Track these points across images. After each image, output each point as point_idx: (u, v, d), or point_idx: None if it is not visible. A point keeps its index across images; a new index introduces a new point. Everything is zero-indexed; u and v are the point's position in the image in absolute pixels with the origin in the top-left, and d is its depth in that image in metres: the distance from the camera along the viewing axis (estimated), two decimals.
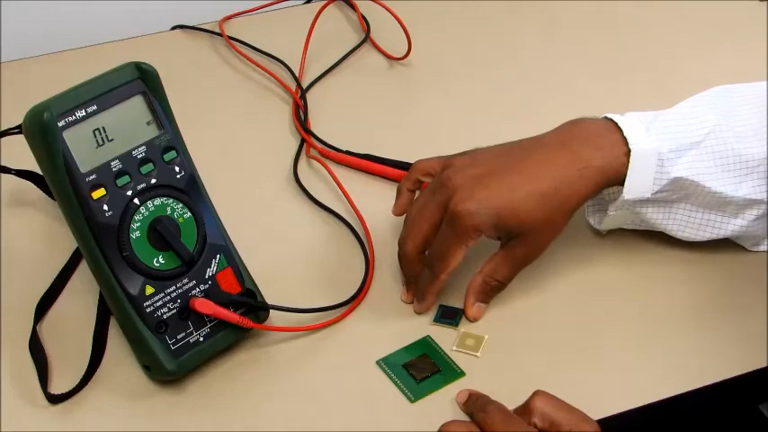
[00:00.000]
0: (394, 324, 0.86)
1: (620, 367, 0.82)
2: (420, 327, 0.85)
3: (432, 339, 0.84)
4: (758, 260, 0.89)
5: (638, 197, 0.84)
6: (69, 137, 0.75)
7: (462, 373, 0.82)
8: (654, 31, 1.18)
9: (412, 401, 0.80)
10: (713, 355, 0.82)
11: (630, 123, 0.84)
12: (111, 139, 0.77)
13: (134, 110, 0.78)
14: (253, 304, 0.82)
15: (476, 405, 0.77)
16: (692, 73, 1.11)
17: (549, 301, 0.87)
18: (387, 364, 0.82)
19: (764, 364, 0.81)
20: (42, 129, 0.75)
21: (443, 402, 0.80)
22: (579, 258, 0.90)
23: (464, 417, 0.78)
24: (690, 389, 0.80)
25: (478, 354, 0.83)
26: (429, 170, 0.89)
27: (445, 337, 0.84)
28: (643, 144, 0.83)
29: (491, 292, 0.86)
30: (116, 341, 0.84)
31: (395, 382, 0.81)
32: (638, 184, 0.83)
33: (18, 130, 0.91)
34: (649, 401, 0.79)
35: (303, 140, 1.05)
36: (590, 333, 0.85)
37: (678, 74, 1.11)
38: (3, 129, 0.97)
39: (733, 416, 0.77)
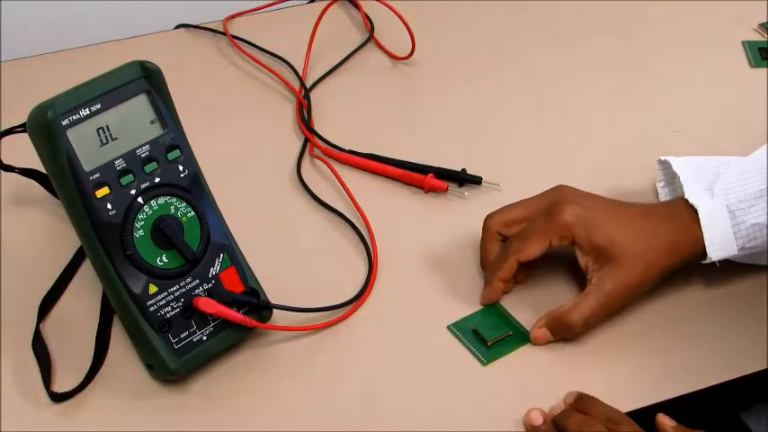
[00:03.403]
0: (396, 324, 0.86)
1: (619, 368, 0.82)
2: (425, 328, 0.85)
3: (501, 305, 0.86)
4: None
5: (725, 255, 0.82)
6: (73, 135, 0.75)
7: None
8: (660, 34, 1.18)
9: (484, 364, 0.82)
10: (707, 359, 0.82)
11: (692, 189, 0.83)
12: (115, 138, 0.77)
13: (138, 108, 0.78)
14: (256, 303, 0.82)
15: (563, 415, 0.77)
16: (696, 76, 1.10)
17: (551, 302, 0.87)
18: (457, 328, 0.84)
19: (759, 368, 0.81)
20: (46, 127, 0.75)
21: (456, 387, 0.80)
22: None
23: None
24: (688, 390, 0.80)
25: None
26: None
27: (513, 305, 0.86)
28: (709, 203, 0.82)
29: (562, 326, 0.83)
30: (119, 340, 0.84)
31: (467, 347, 0.83)
32: (718, 239, 0.81)
33: (22, 128, 0.91)
34: (648, 403, 0.79)
35: (306, 140, 1.05)
36: (589, 335, 0.84)
37: (682, 76, 1.11)
38: (7, 127, 0.97)
39: (714, 424, 0.77)
